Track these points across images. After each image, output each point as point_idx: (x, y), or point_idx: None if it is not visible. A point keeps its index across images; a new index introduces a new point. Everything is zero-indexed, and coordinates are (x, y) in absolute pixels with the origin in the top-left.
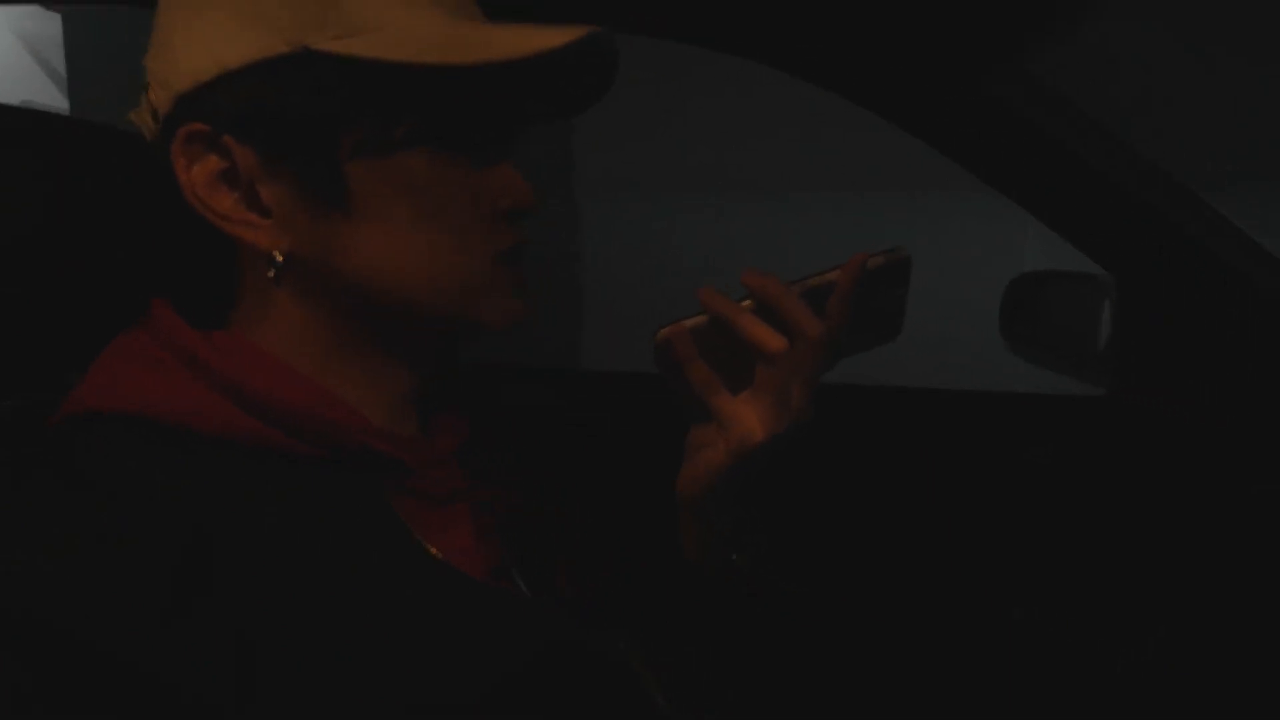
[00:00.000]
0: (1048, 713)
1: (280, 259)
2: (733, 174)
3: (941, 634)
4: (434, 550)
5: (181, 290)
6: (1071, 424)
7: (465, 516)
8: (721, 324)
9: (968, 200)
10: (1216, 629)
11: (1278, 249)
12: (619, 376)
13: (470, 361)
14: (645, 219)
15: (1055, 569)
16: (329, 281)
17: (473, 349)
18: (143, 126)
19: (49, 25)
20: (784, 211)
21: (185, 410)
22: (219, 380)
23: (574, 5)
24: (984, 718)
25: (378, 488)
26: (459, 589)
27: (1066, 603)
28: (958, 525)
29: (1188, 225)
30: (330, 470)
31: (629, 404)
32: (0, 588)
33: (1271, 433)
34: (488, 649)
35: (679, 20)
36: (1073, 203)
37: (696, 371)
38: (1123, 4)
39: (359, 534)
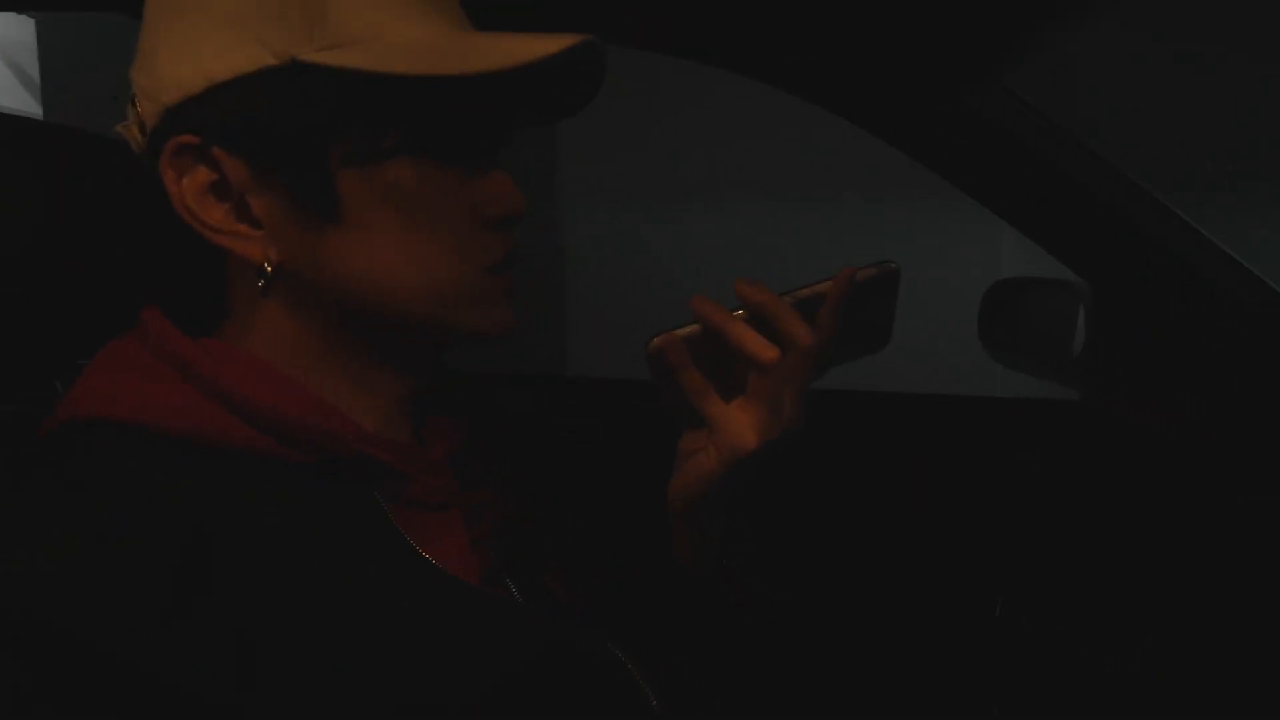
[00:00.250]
0: (1035, 714)
1: (269, 270)
2: (721, 180)
3: (926, 636)
4: (428, 556)
5: (172, 298)
6: (1050, 428)
7: (458, 522)
8: (714, 333)
9: (944, 206)
10: (1203, 636)
11: (1278, 248)
12: (608, 383)
13: (458, 369)
14: (632, 226)
15: (1038, 572)
16: (319, 291)
17: (460, 356)
18: (130, 139)
19: (23, 30)
20: (769, 218)
21: (179, 418)
22: (213, 388)
23: (563, 14)
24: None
25: (371, 494)
26: (453, 594)
27: (1050, 605)
28: (943, 527)
29: (1159, 234)
30: (324, 477)
31: (619, 410)
32: (0, 588)
33: (1243, 440)
34: (481, 653)
35: (664, 33)
36: (1047, 211)
37: (689, 379)
38: (1114, 9)
39: (354, 540)
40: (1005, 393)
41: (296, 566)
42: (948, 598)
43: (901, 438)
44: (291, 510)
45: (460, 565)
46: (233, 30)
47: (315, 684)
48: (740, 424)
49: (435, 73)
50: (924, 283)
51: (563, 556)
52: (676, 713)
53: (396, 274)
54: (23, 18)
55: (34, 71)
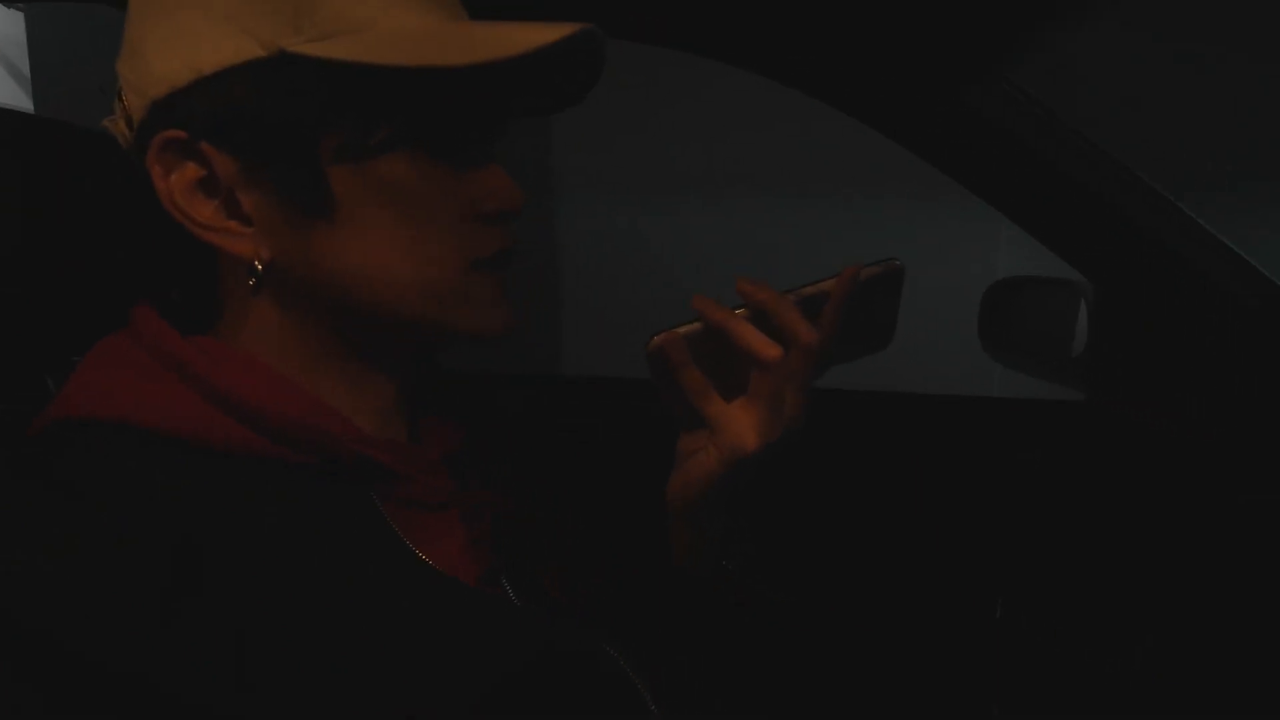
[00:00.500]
0: (1035, 714)
1: (260, 267)
2: (719, 176)
3: (926, 636)
4: (425, 556)
5: (165, 296)
6: (1052, 429)
7: (456, 523)
8: (715, 331)
9: (942, 203)
10: (1203, 636)
11: (1278, 248)
12: (606, 382)
13: (454, 369)
14: (630, 221)
15: (1039, 572)
16: (312, 289)
17: (455, 356)
18: (117, 134)
19: (12, 24)
20: (768, 214)
21: (173, 417)
22: (207, 388)
23: (561, 4)
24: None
25: (369, 495)
26: (450, 595)
27: (1050, 606)
28: (942, 528)
29: (1163, 231)
30: (321, 477)
31: (617, 409)
32: None
33: (1244, 440)
34: (478, 654)
35: (665, 26)
36: (1050, 209)
37: (690, 378)
38: (1114, 9)
39: (351, 541)
40: (1003, 393)
41: (292, 567)
42: (948, 598)
43: (899, 438)
44: (287, 511)
45: (458, 566)
46: (220, 22)
47: (311, 686)
48: (741, 424)
49: (427, 64)
50: (920, 280)
51: (561, 557)
52: (673, 714)
53: (390, 271)
54: (12, 12)
55: (24, 66)
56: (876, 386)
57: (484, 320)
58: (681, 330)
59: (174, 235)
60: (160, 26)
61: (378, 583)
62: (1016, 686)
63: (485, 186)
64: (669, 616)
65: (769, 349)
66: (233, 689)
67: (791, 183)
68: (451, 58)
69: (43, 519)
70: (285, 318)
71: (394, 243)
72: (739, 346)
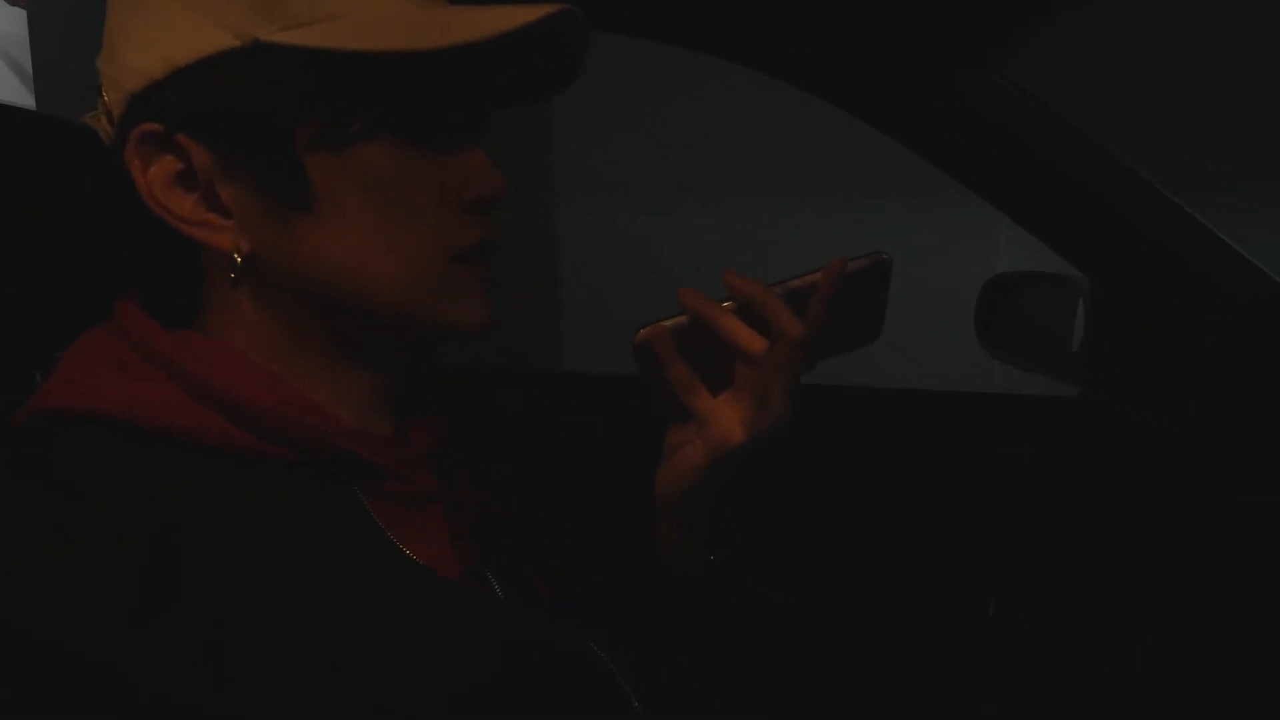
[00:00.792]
0: (1035, 714)
1: (240, 260)
2: (718, 175)
3: (919, 634)
4: (409, 552)
5: (147, 289)
6: (1048, 424)
7: (440, 519)
8: (702, 324)
9: (941, 202)
10: (1203, 636)
11: (1278, 248)
12: (602, 379)
13: (449, 365)
14: (627, 219)
15: (1036, 571)
16: (292, 281)
17: (453, 352)
18: (100, 130)
19: (14, 22)
20: (766, 213)
21: (155, 412)
22: (188, 381)
23: None
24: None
25: (353, 490)
26: (434, 591)
27: (1050, 605)
28: (938, 524)
29: (1161, 228)
30: (303, 472)
31: (613, 406)
32: None
33: (1243, 439)
34: (463, 651)
35: (658, 20)
36: (1047, 204)
37: (676, 372)
38: (1109, 3)
39: (335, 535)
40: (1003, 389)
41: (275, 562)
42: (943, 596)
43: (897, 433)
44: (270, 505)
45: (442, 562)
46: (194, 12)
47: (293, 680)
48: (728, 417)
49: (401, 49)
50: (920, 279)
51: (550, 555)
52: (658, 712)
53: (370, 262)
54: (14, 10)
55: (26, 63)
56: (876, 383)
57: (465, 314)
58: (667, 324)
59: (157, 229)
60: (135, 20)
61: (362, 577)
62: (1011, 685)
63: (468, 174)
64: (656, 614)
65: (755, 342)
66: (213, 686)
67: (791, 182)
68: (427, 41)
69: (19, 514)
70: (267, 310)
71: (374, 233)
72: (725, 340)
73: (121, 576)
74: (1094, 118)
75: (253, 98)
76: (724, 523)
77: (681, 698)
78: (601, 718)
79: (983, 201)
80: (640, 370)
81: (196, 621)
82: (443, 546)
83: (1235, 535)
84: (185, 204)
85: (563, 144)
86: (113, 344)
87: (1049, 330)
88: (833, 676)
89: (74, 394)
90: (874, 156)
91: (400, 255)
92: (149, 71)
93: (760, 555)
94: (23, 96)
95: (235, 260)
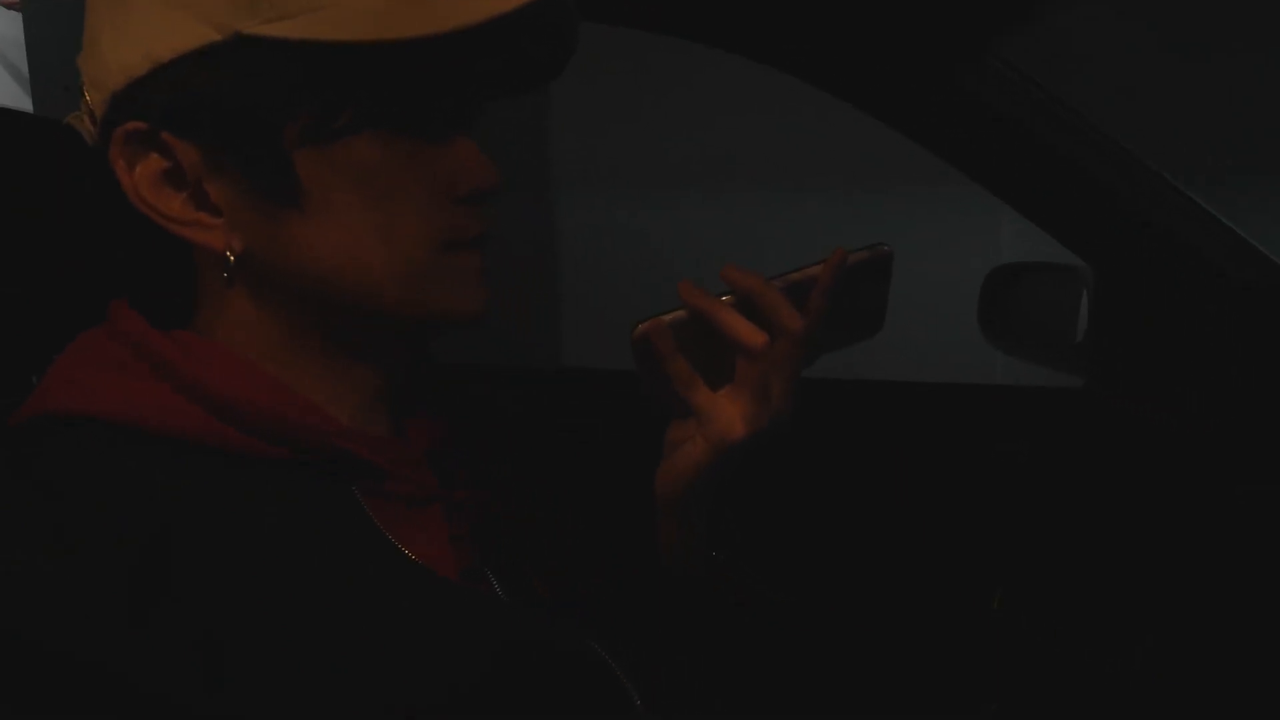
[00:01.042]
0: (1034, 714)
1: (232, 259)
2: (718, 169)
3: (922, 630)
4: (408, 552)
5: (141, 290)
6: (1050, 418)
7: (439, 518)
8: (701, 319)
9: (943, 195)
10: (1203, 634)
11: (1277, 242)
12: (606, 375)
13: (449, 362)
14: (626, 213)
15: (1037, 566)
16: (285, 278)
17: (452, 349)
18: (83, 131)
19: (9, 24)
20: (766, 207)
21: (150, 413)
22: (183, 382)
23: None
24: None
25: (350, 489)
26: (434, 590)
27: (1050, 604)
28: (941, 518)
29: (1166, 217)
30: (301, 472)
31: (617, 406)
32: None
33: (1249, 431)
34: (464, 650)
35: (657, 11)
36: (1049, 192)
37: (676, 367)
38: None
39: (331, 535)
40: (1006, 382)
41: (271, 562)
42: (945, 593)
43: (899, 426)
44: (267, 505)
45: (441, 561)
46: (174, 7)
47: (287, 682)
48: (728, 413)
49: (385, 37)
50: (921, 273)
51: (551, 554)
52: (660, 712)
53: (363, 258)
54: (10, 13)
55: (23, 66)
56: (875, 377)
57: (459, 303)
58: (667, 318)
59: (151, 229)
60: (115, 17)
61: (360, 577)
62: (1015, 683)
63: (458, 166)
64: (656, 614)
65: (755, 336)
66: (211, 686)
67: (791, 176)
68: (412, 29)
69: (13, 516)
70: (261, 309)
71: (365, 228)
72: (725, 334)
73: (119, 577)
74: (1094, 112)
75: (238, 92)
76: (724, 521)
77: (681, 698)
78: (603, 718)
79: (984, 194)
80: (639, 365)
81: (194, 621)
82: (442, 546)
83: (1235, 529)
84: (174, 203)
85: (561, 138)
86: (108, 345)
87: (1053, 320)
88: (834, 675)
89: (70, 395)
90: (874, 150)
91: (392, 247)
92: (131, 69)
93: (760, 554)
94: (19, 99)
95: (228, 259)
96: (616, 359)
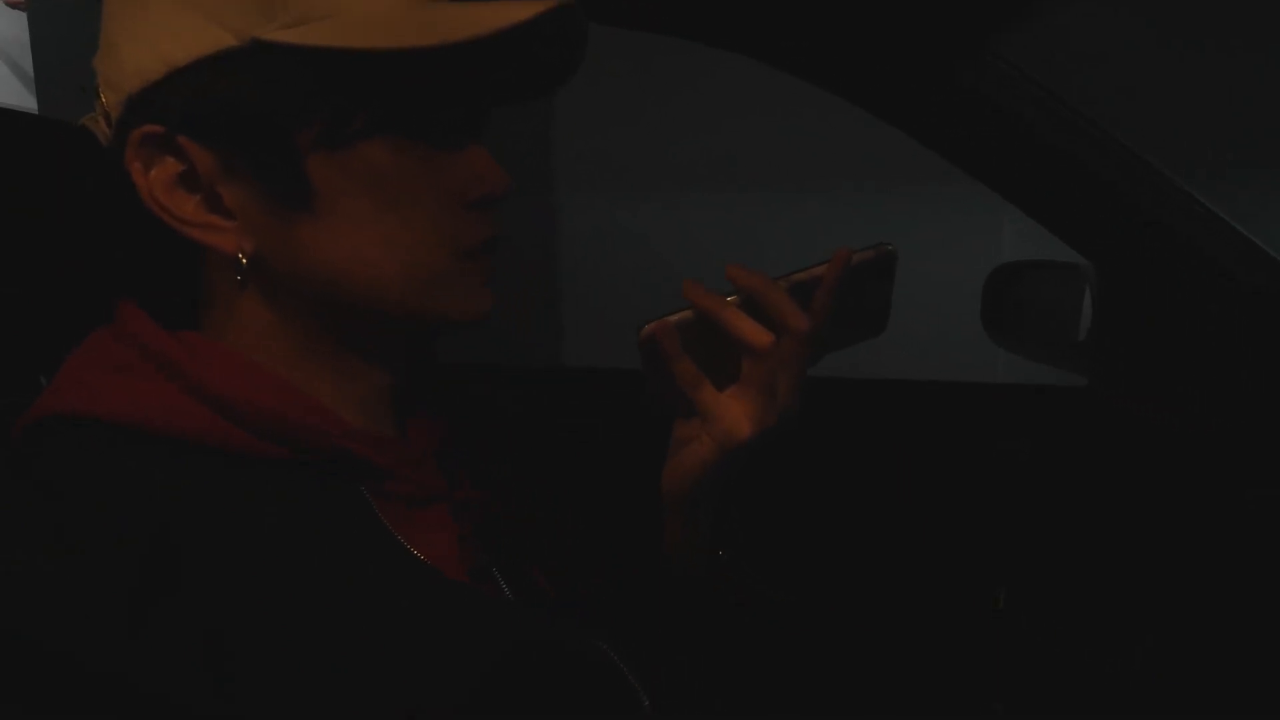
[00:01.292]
0: (1035, 713)
1: (245, 262)
2: (720, 170)
3: (926, 629)
4: (415, 551)
5: (150, 291)
6: (1052, 416)
7: (445, 517)
8: (707, 319)
9: (945, 194)
10: (1204, 635)
11: (1277, 237)
12: (608, 374)
13: (452, 362)
14: (629, 214)
15: (1040, 566)
16: (296, 281)
17: (454, 349)
18: (98, 132)
19: (14, 24)
20: (768, 208)
21: (155, 412)
22: (190, 383)
23: None
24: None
25: (355, 489)
26: (442, 590)
27: (1051, 604)
28: (944, 517)
29: (1169, 215)
30: (305, 472)
31: (618, 405)
32: None
33: (1249, 433)
34: (468, 648)
35: (658, 12)
36: (1051, 190)
37: (682, 367)
38: None
39: (335, 535)
40: (1007, 380)
41: (275, 561)
42: (948, 590)
43: (900, 424)
44: (270, 505)
45: (447, 561)
46: (192, 12)
47: (297, 680)
48: (734, 412)
49: (401, 46)
50: (924, 272)
51: (556, 553)
52: (668, 711)
53: (374, 262)
54: (15, 13)
55: (28, 66)
56: (877, 376)
57: (468, 305)
58: (673, 318)
59: (158, 230)
60: (133, 20)
61: (366, 576)
62: (1019, 683)
63: (470, 172)
64: (664, 612)
65: (760, 336)
66: (214, 685)
67: (793, 176)
68: (424, 38)
69: (21, 516)
70: (271, 312)
71: (377, 233)
72: (730, 334)
73: (119, 577)
74: (1093, 110)
75: (252, 98)
76: (728, 521)
77: (692, 695)
78: (611, 717)
79: (986, 193)
80: (645, 365)
81: (195, 621)
82: (448, 546)
83: (1240, 531)
84: (187, 206)
85: (564, 139)
86: (115, 346)
87: (1056, 319)
88: (837, 675)
89: (77, 397)
90: (876, 150)
91: (404, 253)
92: (147, 72)
93: (764, 554)
94: (24, 98)
95: (240, 262)
96: (617, 359)
